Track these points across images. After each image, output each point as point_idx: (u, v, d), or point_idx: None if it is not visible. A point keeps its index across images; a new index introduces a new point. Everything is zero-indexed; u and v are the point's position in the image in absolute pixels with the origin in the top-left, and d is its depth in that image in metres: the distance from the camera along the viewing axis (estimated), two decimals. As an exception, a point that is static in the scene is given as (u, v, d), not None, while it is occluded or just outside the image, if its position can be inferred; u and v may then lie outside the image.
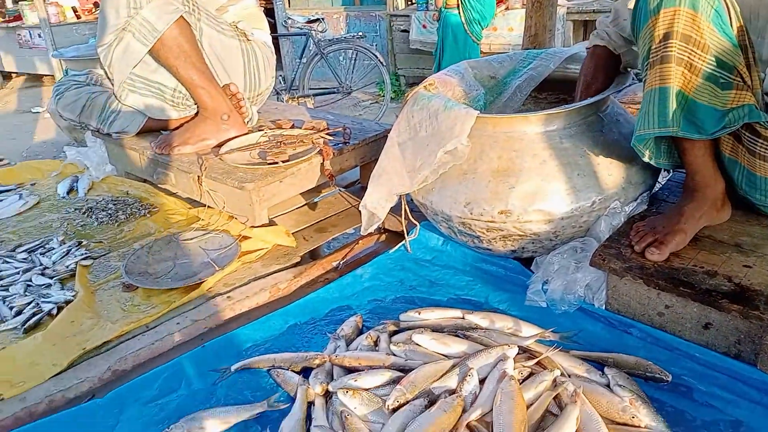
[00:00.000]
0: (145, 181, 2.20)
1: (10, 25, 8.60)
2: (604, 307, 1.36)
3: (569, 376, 1.17)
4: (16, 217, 2.06)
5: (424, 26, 6.09)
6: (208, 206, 1.88)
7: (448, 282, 1.58)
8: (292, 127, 2.08)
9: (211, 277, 1.57)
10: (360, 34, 5.53)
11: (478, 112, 1.33)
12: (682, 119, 1.15)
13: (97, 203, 2.09)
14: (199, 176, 1.82)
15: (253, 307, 1.55)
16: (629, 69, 1.53)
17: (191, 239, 1.75)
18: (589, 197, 1.35)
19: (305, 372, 1.27)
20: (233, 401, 1.21)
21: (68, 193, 2.22)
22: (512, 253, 1.52)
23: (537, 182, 1.35)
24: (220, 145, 1.95)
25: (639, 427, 1.05)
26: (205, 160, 1.81)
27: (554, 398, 1.11)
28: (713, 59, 1.12)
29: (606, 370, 1.18)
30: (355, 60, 5.90)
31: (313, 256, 1.81)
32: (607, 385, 1.14)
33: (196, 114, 2.02)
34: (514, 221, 1.39)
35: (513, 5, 5.62)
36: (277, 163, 1.75)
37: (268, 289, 1.58)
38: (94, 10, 8.89)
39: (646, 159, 1.29)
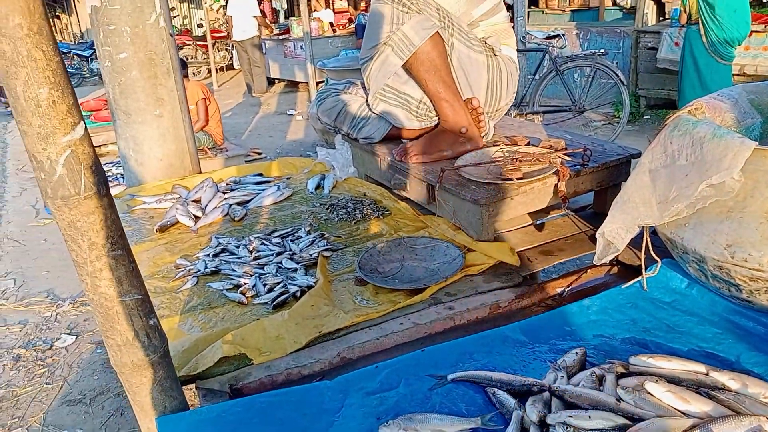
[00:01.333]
0: (381, 185, 2.36)
1: (280, 38, 9.97)
2: None
3: None
4: (273, 206, 2.36)
5: (677, 44, 5.55)
6: (438, 215, 1.95)
7: (690, 330, 1.41)
8: (528, 144, 2.05)
9: (435, 285, 1.62)
10: (602, 51, 5.24)
11: (756, 143, 1.16)
12: None
13: (339, 201, 2.30)
14: (433, 186, 1.89)
15: (472, 321, 1.55)
16: None
17: (419, 245, 1.83)
18: None
19: (521, 397, 1.24)
20: (447, 410, 1.23)
21: (315, 189, 2.48)
22: (779, 310, 1.30)
23: (828, 232, 1.13)
24: (455, 157, 2.00)
25: None
26: (442, 171, 1.87)
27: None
28: None
29: None
30: (593, 78, 5.62)
31: (534, 278, 1.76)
32: None
33: (436, 125, 2.10)
34: (789, 274, 1.18)
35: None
36: (511, 180, 1.73)
37: (488, 305, 1.57)
38: (347, 24, 9.87)
39: None
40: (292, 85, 10.90)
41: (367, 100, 2.25)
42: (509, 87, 2.12)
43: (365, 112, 2.22)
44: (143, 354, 1.12)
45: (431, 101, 2.00)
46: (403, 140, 2.24)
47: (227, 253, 1.94)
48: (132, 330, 1.10)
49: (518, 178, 1.74)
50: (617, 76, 5.17)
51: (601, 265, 1.69)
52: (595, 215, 2.05)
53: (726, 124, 1.43)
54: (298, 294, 1.65)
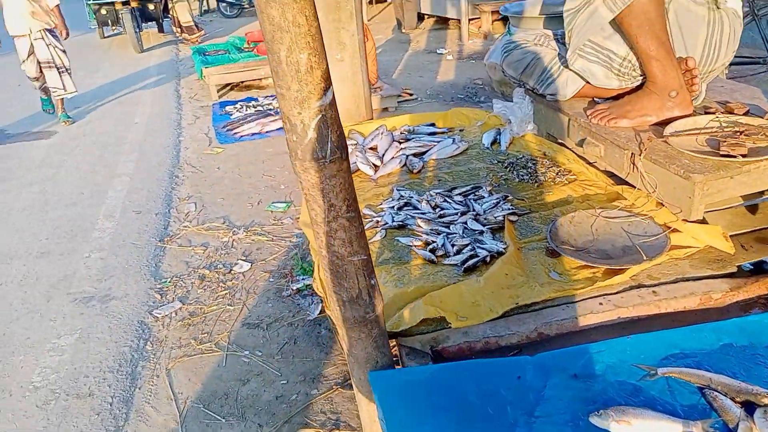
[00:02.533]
0: (563, 146, 2.24)
1: (435, -28, 9.65)
2: None
3: None
4: (449, 159, 2.34)
5: None
6: (635, 187, 1.81)
7: None
8: (747, 113, 1.82)
9: (637, 265, 1.52)
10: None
11: None
12: None
13: (518, 160, 2.23)
14: (634, 154, 1.75)
15: (680, 310, 1.45)
16: None
17: (615, 218, 1.72)
18: None
19: (746, 406, 1.14)
20: (661, 407, 1.17)
21: (491, 144, 2.42)
22: None
23: None
24: (659, 124, 1.83)
25: None
26: (648, 140, 1.72)
27: None
28: None
29: None
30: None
31: (755, 268, 1.59)
32: None
33: (639, 86, 1.92)
34: None
35: None
36: (734, 156, 1.55)
37: (698, 295, 1.46)
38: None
39: None
40: (442, 22, 10.61)
41: (559, 54, 2.11)
42: (729, 45, 1.87)
43: (556, 67, 2.09)
44: (363, 311, 1.18)
45: (639, 59, 1.83)
46: (597, 100, 2.09)
47: (410, 207, 1.97)
48: (357, 288, 1.15)
49: (743, 155, 1.56)
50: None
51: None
52: (823, 200, 1.79)
53: None
54: (488, 259, 1.63)
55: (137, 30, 10.08)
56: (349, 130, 2.65)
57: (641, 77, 1.90)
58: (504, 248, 1.67)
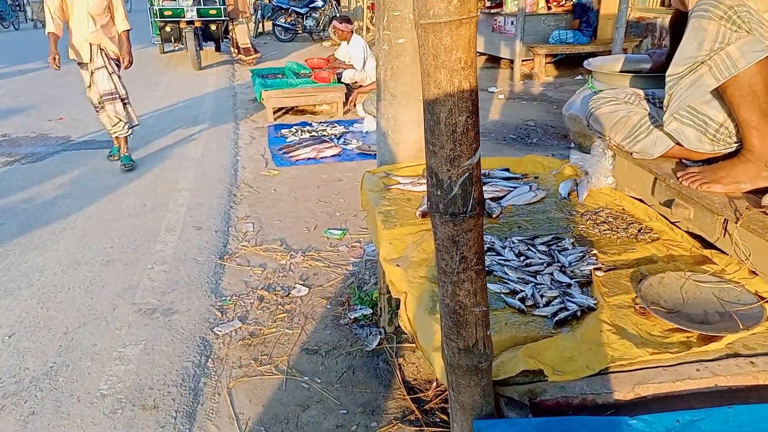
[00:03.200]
0: (642, 202, 2.26)
1: (491, 11, 9.83)
2: None
3: None
4: (526, 207, 2.38)
5: None
6: (725, 253, 1.82)
7: None
8: None
9: (733, 334, 1.52)
10: None
11: None
12: None
13: (597, 213, 2.25)
14: (728, 220, 1.76)
15: (779, 383, 1.45)
16: None
17: (705, 283, 1.73)
18: None
19: None
20: (769, 484, 1.17)
21: (568, 194, 2.44)
22: None
23: None
24: (753, 192, 1.84)
25: None
26: (746, 208, 1.73)
27: None
28: None
29: None
30: None
31: None
32: None
33: (733, 153, 1.94)
34: None
35: None
36: (840, 234, 1.56)
37: (799, 370, 1.45)
38: (562, 2, 9.44)
39: None
40: (494, 61, 10.76)
41: (649, 113, 2.15)
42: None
43: (646, 126, 2.12)
44: (477, 361, 1.21)
45: (739, 127, 1.85)
46: (685, 162, 2.11)
47: (493, 253, 2.00)
48: (474, 338, 1.19)
49: None
50: None
51: None
52: None
53: None
54: (578, 314, 1.65)
55: (198, 48, 10.46)
56: (423, 168, 2.71)
57: (736, 144, 1.92)
58: (594, 303, 1.68)
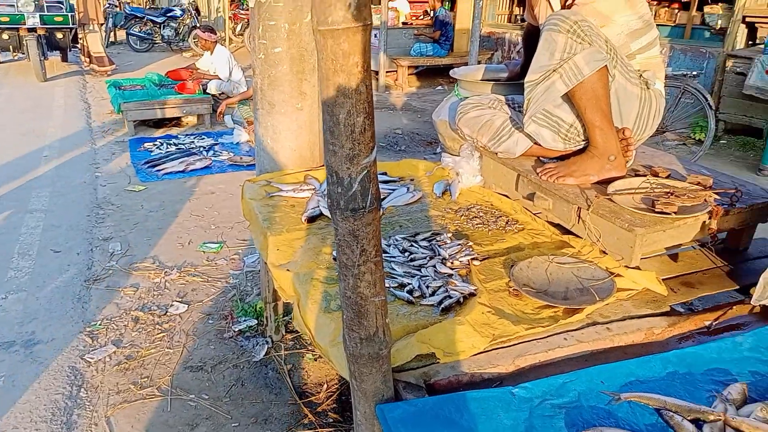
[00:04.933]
0: (506, 196, 2.48)
1: (354, 25, 10.08)
2: None
3: None
4: (405, 207, 2.50)
5: (767, 72, 5.50)
6: (580, 237, 2.06)
7: None
8: (669, 176, 2.14)
9: (591, 306, 1.74)
10: (694, 73, 5.24)
11: None
12: None
13: (469, 209, 2.43)
14: (581, 208, 2.01)
15: (629, 344, 1.68)
16: None
17: (565, 264, 1.95)
18: None
19: (696, 423, 1.36)
20: (629, 427, 1.36)
21: (442, 194, 2.61)
22: None
23: None
24: (599, 183, 2.11)
25: None
26: (595, 197, 1.98)
27: None
28: None
29: None
30: (679, 99, 5.61)
31: (684, 308, 1.86)
32: None
33: (581, 149, 2.21)
34: None
35: None
36: (668, 213, 1.84)
37: (643, 331, 1.69)
38: (421, 16, 9.94)
39: None
40: (358, 72, 11.02)
41: (510, 117, 2.37)
42: (655, 120, 2.22)
43: (508, 128, 2.34)
44: (378, 348, 1.28)
45: (585, 127, 2.11)
46: (542, 159, 2.35)
47: (379, 251, 2.09)
48: (375, 326, 1.26)
49: (675, 213, 1.85)
50: (706, 100, 5.17)
51: (746, 304, 1.79)
52: (727, 251, 2.13)
53: None
54: (461, 300, 1.79)
55: (42, 58, 9.57)
56: (305, 175, 2.75)
57: (584, 142, 2.19)
58: (474, 290, 1.83)
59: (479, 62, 8.60)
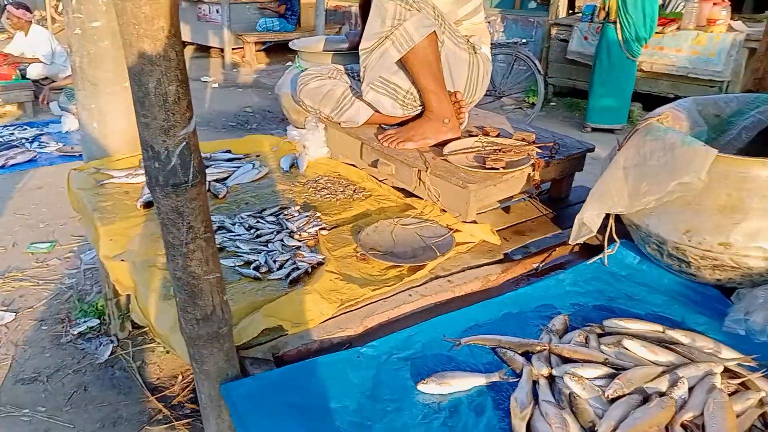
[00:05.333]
0: (354, 166, 2.51)
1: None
2: (810, 345, 1.45)
3: (775, 402, 1.29)
4: (252, 184, 2.44)
5: (585, 38, 6.07)
6: (424, 198, 2.14)
7: (644, 298, 1.73)
8: (498, 135, 2.29)
9: (433, 261, 1.83)
10: (523, 41, 5.64)
11: (716, 151, 1.46)
12: None
13: (317, 181, 2.43)
14: (421, 171, 2.09)
15: (469, 293, 1.79)
16: None
17: (409, 225, 2.02)
18: (814, 243, 1.44)
19: (526, 355, 1.49)
20: (469, 368, 1.45)
21: (290, 168, 2.58)
22: (716, 282, 1.64)
23: (763, 222, 1.47)
24: (437, 145, 2.21)
25: None
26: (432, 159, 2.07)
27: (760, 416, 1.25)
28: None
29: (812, 402, 1.28)
30: (512, 65, 6.02)
31: (514, 254, 2.01)
32: (814, 416, 1.26)
33: (419, 114, 2.28)
34: (732, 254, 1.51)
35: (686, 26, 5.46)
36: (496, 169, 1.97)
37: (481, 279, 1.81)
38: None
39: None
40: (203, 50, 10.48)
41: (351, 86, 2.39)
42: (484, 83, 2.35)
43: (349, 97, 2.36)
44: (217, 327, 1.24)
45: (420, 92, 2.18)
46: (384, 126, 2.40)
47: (224, 231, 2.02)
48: (211, 305, 1.21)
49: (503, 168, 1.98)
50: (535, 65, 5.60)
51: (566, 244, 1.98)
52: (551, 200, 2.34)
53: (683, 131, 1.75)
54: (310, 270, 1.79)
55: None
56: (140, 159, 2.57)
57: (420, 107, 2.27)
58: (322, 259, 1.84)
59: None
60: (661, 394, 1.31)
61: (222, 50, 9.42)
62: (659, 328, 1.56)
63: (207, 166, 2.53)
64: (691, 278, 1.70)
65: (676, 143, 1.53)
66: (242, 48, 9.44)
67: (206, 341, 1.24)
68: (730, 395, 1.30)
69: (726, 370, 1.38)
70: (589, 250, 1.98)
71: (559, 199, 2.33)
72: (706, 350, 1.48)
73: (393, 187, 2.33)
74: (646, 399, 1.30)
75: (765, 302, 1.54)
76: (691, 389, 1.32)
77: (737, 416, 1.24)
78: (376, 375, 1.43)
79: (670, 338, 1.52)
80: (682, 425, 1.23)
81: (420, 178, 2.10)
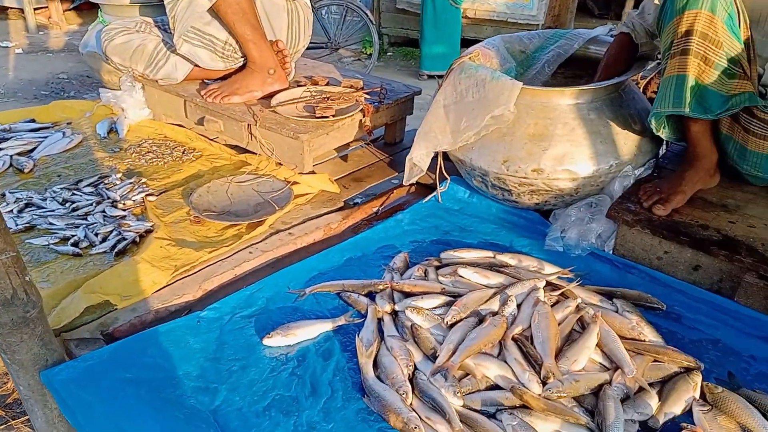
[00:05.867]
0: (181, 126, 2.35)
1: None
2: (612, 252, 1.65)
3: (587, 305, 1.46)
4: (64, 154, 2.19)
5: (414, -14, 6.19)
6: (257, 153, 2.07)
7: (476, 228, 1.85)
8: (328, 83, 2.27)
9: (272, 216, 1.78)
10: (353, -9, 5.60)
11: (522, 83, 1.57)
12: (694, 102, 1.43)
13: (141, 145, 2.25)
14: (250, 125, 2.00)
15: (311, 243, 1.78)
16: (646, 58, 1.79)
17: (245, 182, 1.95)
18: (608, 161, 1.62)
19: (369, 295, 1.52)
20: (315, 316, 1.45)
21: (108, 133, 2.35)
22: (535, 206, 1.79)
23: (566, 146, 1.62)
24: (265, 97, 2.13)
25: (644, 341, 1.35)
26: (260, 111, 1.99)
27: (578, 320, 1.40)
28: (723, 54, 1.39)
29: (615, 300, 1.47)
30: (345, 17, 5.98)
31: (353, 201, 2.03)
32: (617, 311, 1.44)
33: (242, 67, 2.18)
34: (544, 178, 1.65)
35: (502, -27, 5.77)
36: (327, 117, 1.95)
37: (322, 228, 1.81)
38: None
39: (657, 132, 1.57)
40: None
41: (163, 39, 2.20)
42: (306, 30, 2.29)
43: (163, 52, 2.18)
44: (23, 311, 1.11)
45: (238, 43, 2.07)
46: (206, 81, 2.26)
47: (33, 207, 1.80)
48: (11, 288, 1.07)
49: (333, 116, 1.97)
50: (366, 15, 5.61)
51: (401, 186, 2.04)
52: (387, 145, 2.39)
53: (494, 68, 1.85)
54: (138, 239, 1.66)
55: None
56: None
57: (242, 59, 2.16)
58: (151, 226, 1.71)
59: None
60: (495, 314, 1.42)
61: (22, 11, 8.25)
62: (490, 254, 1.67)
63: (6, 139, 2.23)
64: (514, 205, 1.83)
65: (486, 79, 1.61)
66: (47, 8, 8.33)
67: (12, 328, 1.10)
68: (552, 306, 1.44)
69: (548, 284, 1.52)
70: (425, 189, 2.06)
71: (393, 143, 2.38)
72: (531, 269, 1.62)
73: (225, 144, 2.23)
74: (482, 320, 1.39)
75: (576, 220, 1.72)
76: (520, 306, 1.44)
77: (559, 324, 1.38)
78: (219, 337, 1.37)
79: (500, 262, 1.64)
80: (513, 339, 1.34)
81: (251, 133, 2.03)
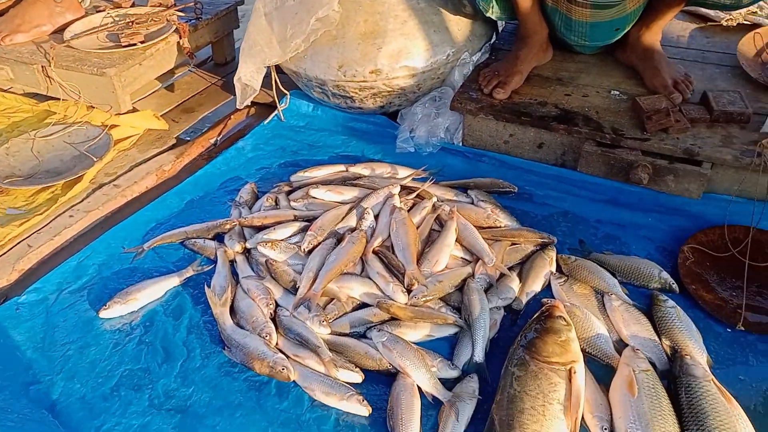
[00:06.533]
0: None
1: None
2: (461, 144, 1.62)
3: (443, 201, 1.43)
4: None
5: None
6: (61, 99, 1.77)
7: (325, 143, 1.74)
8: (133, 5, 1.96)
9: (91, 169, 1.55)
10: None
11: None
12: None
13: None
14: (44, 66, 1.70)
15: (143, 192, 1.58)
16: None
17: (52, 135, 1.68)
18: (445, 51, 1.55)
19: (217, 237, 1.39)
20: (158, 273, 1.30)
21: None
22: (381, 109, 1.71)
23: (401, 41, 1.52)
24: (57, 31, 1.80)
25: (500, 227, 1.35)
26: (51, 48, 1.68)
27: (435, 219, 1.37)
28: None
29: (469, 192, 1.45)
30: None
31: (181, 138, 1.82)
32: (472, 202, 1.43)
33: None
34: (383, 79, 1.55)
35: None
36: (134, 44, 1.69)
37: (153, 173, 1.61)
38: None
39: (487, 14, 1.51)
40: None
41: None
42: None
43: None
44: None
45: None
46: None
47: None
48: None
49: (141, 42, 1.71)
50: None
51: (240, 110, 1.86)
52: (217, 66, 2.16)
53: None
54: (-76, 226, 1.38)
55: None
56: None
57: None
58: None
59: None
60: (353, 230, 1.34)
61: None
62: (342, 168, 1.58)
63: None
64: (359, 112, 1.73)
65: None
66: None
67: None
68: (409, 210, 1.39)
69: (404, 188, 1.47)
70: (266, 109, 1.89)
71: (224, 63, 2.15)
72: (386, 175, 1.55)
73: (21, 94, 1.89)
74: (340, 240, 1.31)
75: (423, 117, 1.65)
76: (377, 217, 1.38)
77: (417, 227, 1.34)
78: (47, 321, 1.19)
79: (353, 174, 1.56)
80: (374, 252, 1.29)
81: (48, 76, 1.72)
